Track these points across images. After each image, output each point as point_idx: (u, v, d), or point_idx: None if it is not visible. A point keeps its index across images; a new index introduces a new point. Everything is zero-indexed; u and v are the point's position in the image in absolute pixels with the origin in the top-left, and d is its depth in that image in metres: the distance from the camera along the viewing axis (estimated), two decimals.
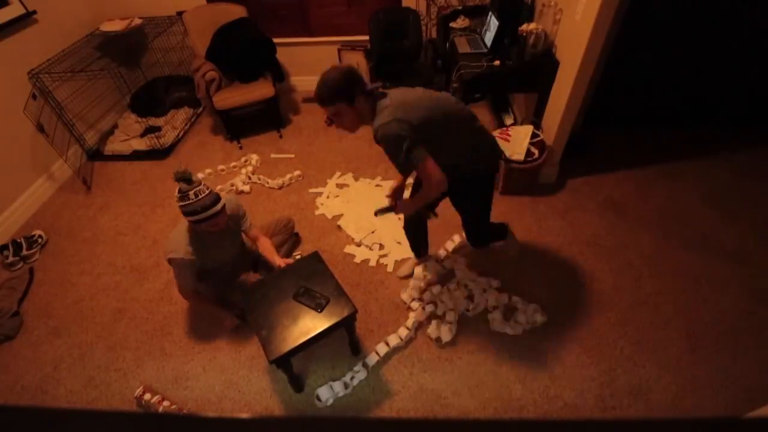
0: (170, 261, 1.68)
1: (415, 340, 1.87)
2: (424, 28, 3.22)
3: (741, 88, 2.73)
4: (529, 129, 2.39)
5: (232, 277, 2.03)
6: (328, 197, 2.67)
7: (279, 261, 1.79)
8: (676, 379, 1.67)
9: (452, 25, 2.94)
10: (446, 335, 1.83)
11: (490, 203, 1.72)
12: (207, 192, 1.57)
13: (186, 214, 1.57)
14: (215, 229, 1.67)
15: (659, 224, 2.31)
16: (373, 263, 2.22)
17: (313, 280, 1.65)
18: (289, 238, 2.27)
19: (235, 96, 3.01)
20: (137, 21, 3.17)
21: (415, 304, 1.97)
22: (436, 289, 2.02)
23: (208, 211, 1.56)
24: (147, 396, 1.70)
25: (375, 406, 1.68)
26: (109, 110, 3.41)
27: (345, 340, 1.77)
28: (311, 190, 2.74)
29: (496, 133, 2.43)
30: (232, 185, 2.80)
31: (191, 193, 1.54)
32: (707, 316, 1.87)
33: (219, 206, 1.59)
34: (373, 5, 3.23)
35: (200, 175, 2.90)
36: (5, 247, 2.37)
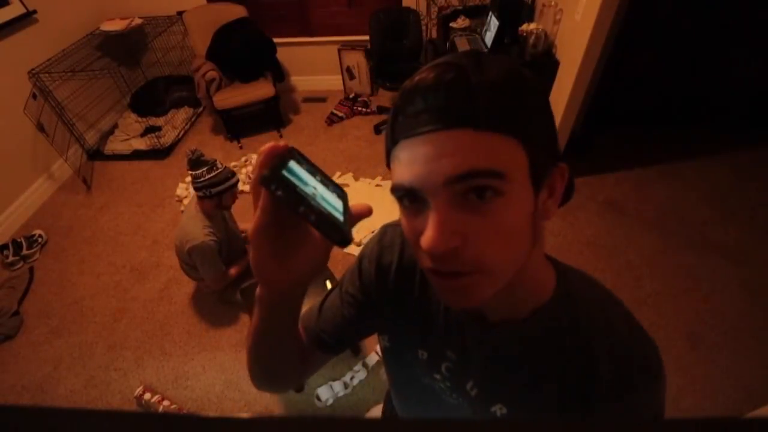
0: (192, 251, 1.68)
1: None
2: (424, 28, 3.22)
3: (741, 88, 2.73)
4: None
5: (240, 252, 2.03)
6: None
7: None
8: (676, 379, 1.66)
9: (452, 25, 2.94)
10: None
11: None
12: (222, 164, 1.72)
13: (213, 185, 1.65)
14: (231, 203, 1.77)
15: (659, 224, 2.31)
16: None
17: (313, 279, 1.64)
18: None
19: (235, 96, 3.01)
20: (137, 21, 3.17)
21: None
22: None
23: (233, 177, 1.69)
24: (147, 396, 1.70)
25: (375, 406, 1.68)
26: (109, 110, 3.41)
27: None
28: None
29: None
30: None
31: (218, 163, 1.66)
32: (707, 316, 1.86)
33: (236, 176, 1.74)
34: (373, 5, 3.23)
35: None
36: (5, 246, 2.37)
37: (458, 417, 0.57)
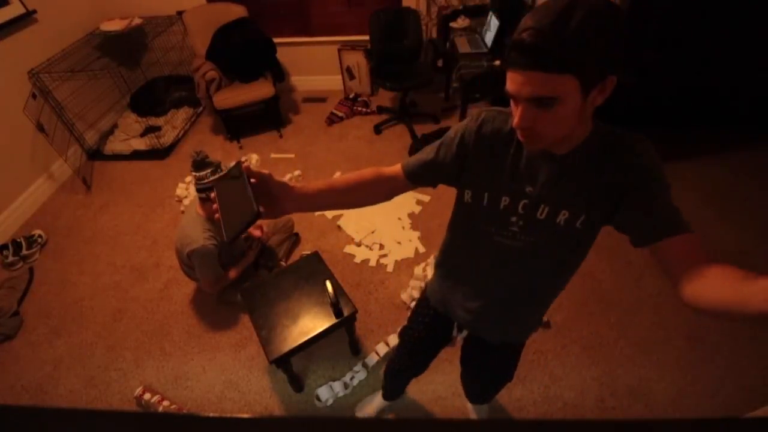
0: (192, 254, 1.68)
1: None
2: (424, 27, 3.22)
3: (740, 88, 2.73)
4: None
5: (239, 255, 2.03)
6: None
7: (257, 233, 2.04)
8: (676, 379, 1.67)
9: (452, 25, 2.94)
10: None
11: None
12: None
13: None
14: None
15: None
16: (373, 263, 2.22)
17: (313, 280, 1.65)
18: (288, 238, 2.27)
19: (235, 96, 3.01)
20: (137, 21, 3.17)
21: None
22: None
23: None
24: (147, 396, 1.70)
25: None
26: (109, 110, 3.41)
27: (345, 340, 1.77)
28: None
29: None
30: None
31: (222, 165, 1.66)
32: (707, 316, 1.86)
33: None
34: (373, 5, 3.23)
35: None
36: (5, 246, 2.37)
37: (505, 256, 0.87)
